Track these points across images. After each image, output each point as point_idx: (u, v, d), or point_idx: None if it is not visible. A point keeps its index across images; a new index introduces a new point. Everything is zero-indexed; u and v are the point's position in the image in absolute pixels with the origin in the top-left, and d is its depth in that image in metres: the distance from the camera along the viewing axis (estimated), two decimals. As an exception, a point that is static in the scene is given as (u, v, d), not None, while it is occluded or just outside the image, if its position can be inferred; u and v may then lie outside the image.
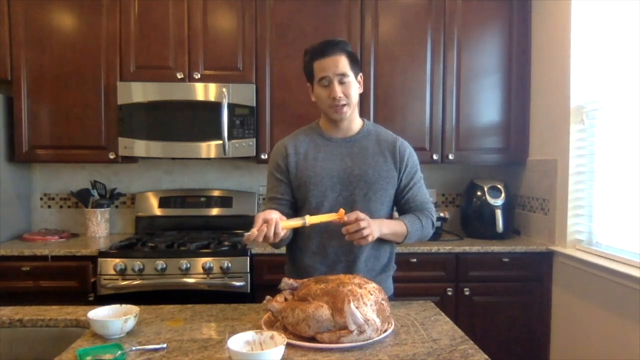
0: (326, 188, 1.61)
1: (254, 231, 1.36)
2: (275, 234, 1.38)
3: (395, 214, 1.76)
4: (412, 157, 1.69)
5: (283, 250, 1.75)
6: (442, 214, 2.92)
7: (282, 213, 1.62)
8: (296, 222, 1.45)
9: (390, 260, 1.75)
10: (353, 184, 1.62)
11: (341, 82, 1.56)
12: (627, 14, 2.34)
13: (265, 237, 1.37)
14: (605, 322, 2.29)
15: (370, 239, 1.47)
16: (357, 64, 1.62)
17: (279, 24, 2.86)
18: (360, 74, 1.64)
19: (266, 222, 1.38)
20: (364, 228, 1.44)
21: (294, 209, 1.69)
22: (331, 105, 1.58)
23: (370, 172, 1.62)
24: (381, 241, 1.64)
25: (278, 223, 1.38)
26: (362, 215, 1.47)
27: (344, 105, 1.57)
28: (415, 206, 1.69)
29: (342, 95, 1.56)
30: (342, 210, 1.48)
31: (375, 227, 1.50)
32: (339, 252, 1.63)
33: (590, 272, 2.38)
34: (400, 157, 1.66)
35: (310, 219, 1.45)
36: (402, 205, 1.71)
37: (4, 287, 2.49)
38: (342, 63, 1.56)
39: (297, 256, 1.69)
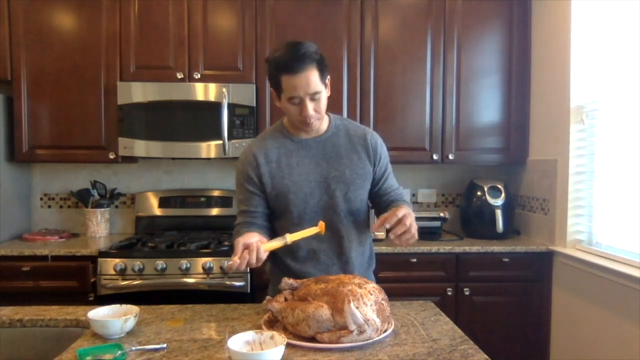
0: (306, 195, 1.56)
1: (236, 260, 1.31)
2: (258, 259, 1.33)
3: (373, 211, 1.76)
4: (382, 147, 1.66)
5: None
6: (442, 214, 2.92)
7: (257, 225, 1.58)
8: (277, 243, 1.41)
9: (372, 254, 1.73)
10: (332, 186, 1.57)
11: (312, 99, 1.46)
12: (627, 14, 2.34)
13: (248, 264, 1.33)
14: (605, 322, 2.29)
15: (415, 233, 1.43)
16: (326, 68, 1.49)
17: (279, 24, 2.86)
18: (328, 77, 1.53)
19: (247, 247, 1.33)
20: (410, 225, 1.39)
21: (269, 220, 1.63)
22: (301, 122, 1.51)
23: (347, 173, 1.58)
24: (364, 235, 1.65)
25: (259, 247, 1.33)
26: (401, 211, 1.40)
27: (314, 121, 1.51)
28: (394, 194, 1.67)
29: (313, 112, 1.48)
30: (322, 223, 1.46)
31: (412, 215, 1.44)
32: (330, 255, 1.60)
33: (590, 272, 2.38)
34: (372, 150, 1.62)
35: (291, 237, 1.41)
36: (379, 195, 1.67)
37: (4, 287, 2.49)
38: (314, 80, 1.43)
39: (287, 262, 1.62)
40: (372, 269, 1.74)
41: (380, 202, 1.69)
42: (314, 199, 1.57)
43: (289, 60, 1.42)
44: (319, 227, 1.45)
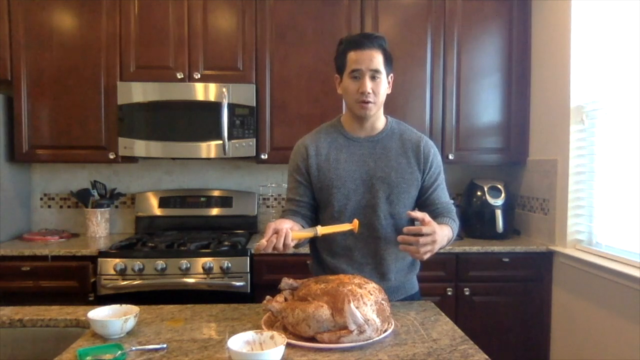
0: (349, 191, 1.59)
1: (263, 242, 1.36)
2: (285, 245, 1.36)
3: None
4: (436, 157, 1.64)
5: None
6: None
7: (301, 215, 1.63)
8: (307, 233, 1.45)
9: (415, 259, 1.70)
10: (376, 186, 1.58)
11: (372, 78, 1.52)
12: (627, 14, 2.34)
13: (275, 248, 1.36)
14: (605, 322, 2.29)
15: (428, 255, 1.42)
16: (391, 63, 1.58)
17: (279, 24, 2.85)
18: (392, 74, 1.60)
19: (276, 232, 1.37)
20: (425, 244, 1.38)
21: (314, 211, 1.67)
22: (358, 100, 1.54)
23: (393, 175, 1.59)
24: None
25: (288, 234, 1.37)
26: (429, 228, 1.39)
27: (370, 102, 1.53)
28: (442, 207, 1.64)
29: (370, 91, 1.52)
30: (356, 221, 1.47)
31: (438, 241, 1.42)
32: (365, 254, 1.61)
33: (590, 272, 2.38)
34: (424, 157, 1.62)
35: (321, 230, 1.44)
36: (425, 207, 1.65)
37: (4, 287, 2.49)
38: (377, 59, 1.51)
39: (323, 257, 1.66)
40: (413, 273, 1.71)
41: (424, 212, 1.64)
42: (356, 196, 1.59)
43: (358, 37, 1.56)
44: (353, 225, 1.46)
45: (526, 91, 2.99)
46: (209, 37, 2.83)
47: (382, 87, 1.55)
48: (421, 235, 1.39)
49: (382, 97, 1.56)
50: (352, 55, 1.53)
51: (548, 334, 2.73)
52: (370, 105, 1.54)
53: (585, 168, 2.59)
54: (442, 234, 1.45)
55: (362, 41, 1.53)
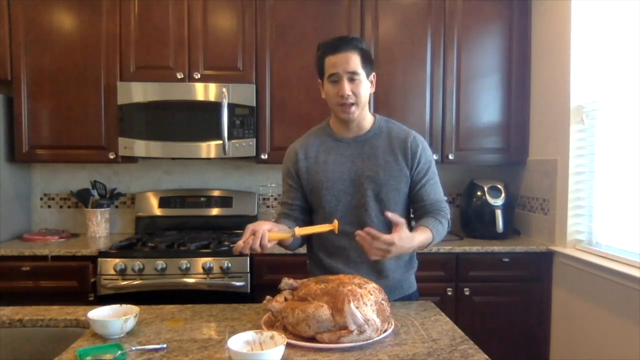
0: (339, 192, 1.60)
1: (240, 243, 1.39)
2: (262, 245, 1.39)
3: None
4: (425, 152, 1.63)
5: (282, 250, 1.73)
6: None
7: (293, 218, 1.66)
8: (285, 234, 1.47)
9: (412, 258, 1.71)
10: (364, 185, 1.59)
11: (351, 80, 1.52)
12: (627, 14, 2.34)
13: (252, 249, 1.39)
14: (605, 322, 2.29)
15: (377, 258, 1.43)
16: (371, 63, 1.58)
17: (279, 24, 2.85)
18: (373, 73, 1.60)
19: (254, 233, 1.39)
20: (378, 249, 1.38)
21: (307, 214, 1.69)
22: (339, 103, 1.55)
23: (381, 173, 1.59)
24: None
25: (265, 235, 1.39)
26: (389, 239, 1.37)
27: (352, 104, 1.54)
28: (430, 204, 1.63)
29: (350, 93, 1.52)
30: (336, 222, 1.48)
31: (394, 252, 1.40)
32: (361, 253, 1.59)
33: (590, 272, 2.38)
34: (412, 153, 1.61)
35: (299, 231, 1.46)
36: (414, 203, 1.65)
37: (4, 287, 2.49)
38: (354, 61, 1.52)
39: (320, 256, 1.67)
40: (411, 272, 1.71)
41: (414, 208, 1.66)
42: (346, 197, 1.60)
43: (333, 42, 1.56)
44: (333, 226, 1.47)
45: (526, 91, 2.99)
46: (209, 37, 2.83)
47: (363, 87, 1.55)
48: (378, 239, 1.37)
49: (364, 98, 1.57)
50: (329, 60, 1.54)
51: (548, 334, 2.73)
52: (352, 108, 1.55)
53: (585, 168, 2.59)
54: (405, 245, 1.42)
55: (338, 44, 1.53)
